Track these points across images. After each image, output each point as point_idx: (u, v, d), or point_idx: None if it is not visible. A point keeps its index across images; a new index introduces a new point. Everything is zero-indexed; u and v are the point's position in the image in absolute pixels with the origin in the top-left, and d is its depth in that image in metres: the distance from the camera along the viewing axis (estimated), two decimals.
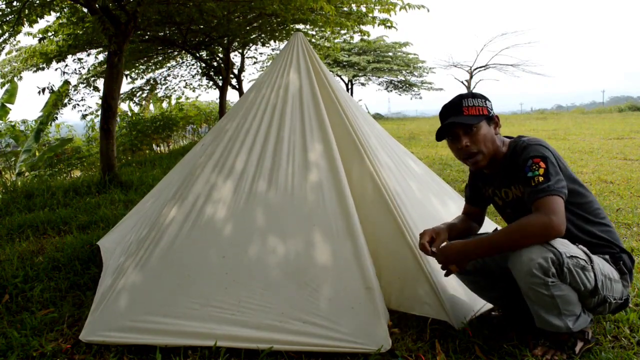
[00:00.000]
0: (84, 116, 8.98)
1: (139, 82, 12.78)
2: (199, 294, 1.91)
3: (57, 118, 8.98)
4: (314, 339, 1.77)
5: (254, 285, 1.91)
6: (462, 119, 1.72)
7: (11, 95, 8.96)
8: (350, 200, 2.06)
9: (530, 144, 1.69)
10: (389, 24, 7.47)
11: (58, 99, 8.81)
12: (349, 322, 1.80)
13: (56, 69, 7.86)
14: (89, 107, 9.88)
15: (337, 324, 1.79)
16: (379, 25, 7.52)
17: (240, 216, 2.08)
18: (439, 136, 1.81)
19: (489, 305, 2.08)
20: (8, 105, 8.94)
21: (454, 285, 2.05)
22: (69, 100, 8.95)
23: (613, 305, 1.69)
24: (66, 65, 7.69)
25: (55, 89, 6.94)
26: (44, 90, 6.65)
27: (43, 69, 8.18)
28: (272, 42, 10.76)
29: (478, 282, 1.95)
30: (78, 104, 8.98)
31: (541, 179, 1.59)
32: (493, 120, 1.77)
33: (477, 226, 2.04)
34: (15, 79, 8.36)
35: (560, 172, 1.64)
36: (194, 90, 13.90)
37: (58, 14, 6.40)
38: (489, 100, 1.79)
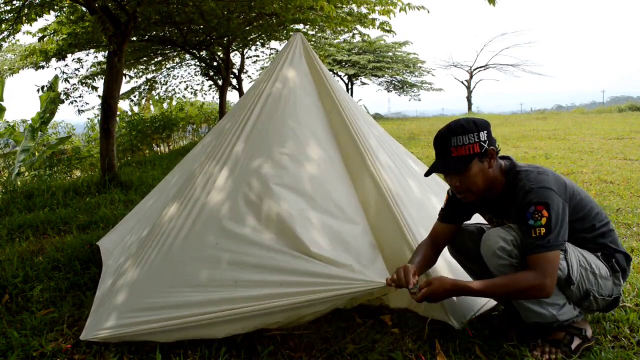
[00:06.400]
0: (80, 111, 8.95)
1: (138, 82, 12.80)
2: (196, 281, 1.91)
3: (54, 112, 8.93)
4: (319, 286, 1.77)
5: (250, 265, 1.89)
6: (449, 165, 1.66)
7: None
8: (346, 174, 2.11)
9: (532, 187, 1.57)
10: (387, 27, 7.45)
11: (57, 96, 8.77)
12: (351, 260, 1.82)
13: (55, 68, 7.88)
14: (86, 102, 9.84)
15: (339, 263, 1.81)
16: (378, 28, 7.51)
17: (234, 196, 2.07)
18: (428, 173, 1.76)
19: (489, 305, 2.08)
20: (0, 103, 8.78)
21: None
22: (66, 97, 8.93)
23: (600, 302, 1.70)
24: (65, 65, 7.69)
25: (54, 87, 6.92)
26: (42, 88, 6.64)
27: (43, 67, 8.15)
28: (272, 42, 10.76)
29: (472, 269, 1.97)
30: (75, 100, 8.96)
31: (542, 230, 1.52)
32: (487, 154, 1.64)
33: (437, 255, 1.92)
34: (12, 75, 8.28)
35: (564, 220, 1.55)
36: (195, 94, 13.87)
37: (57, 13, 6.40)
38: (483, 130, 1.63)
